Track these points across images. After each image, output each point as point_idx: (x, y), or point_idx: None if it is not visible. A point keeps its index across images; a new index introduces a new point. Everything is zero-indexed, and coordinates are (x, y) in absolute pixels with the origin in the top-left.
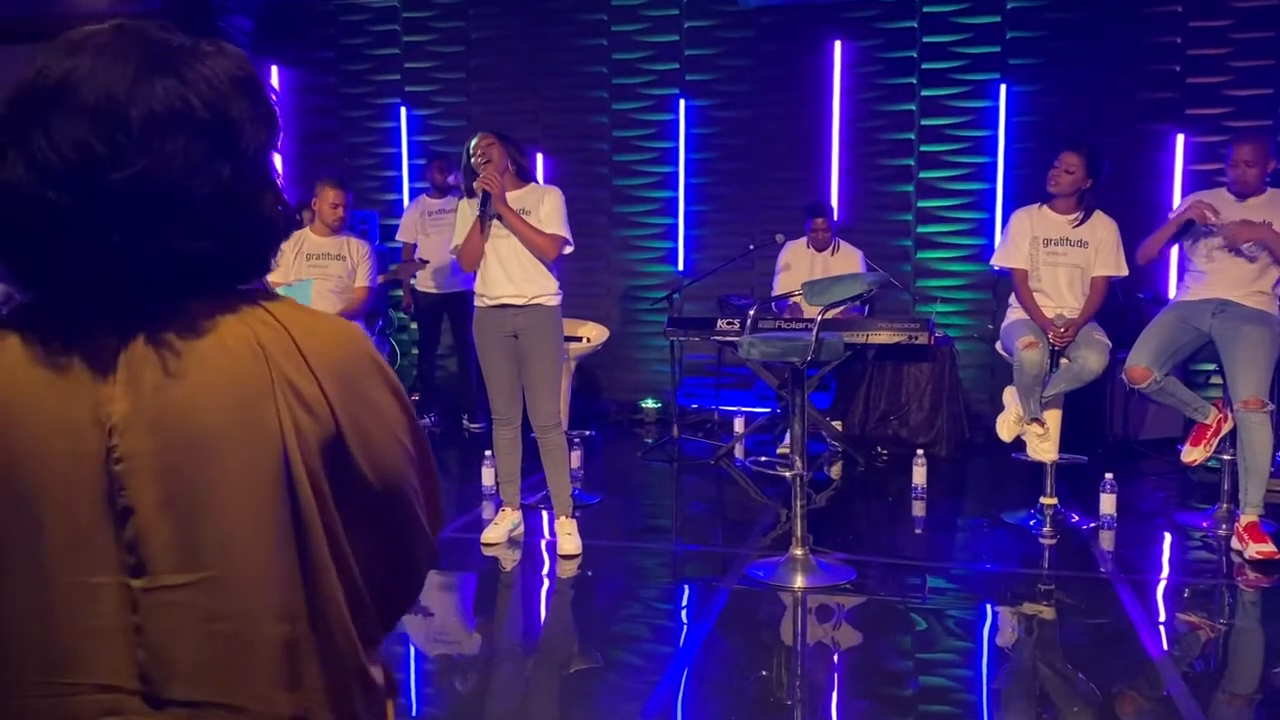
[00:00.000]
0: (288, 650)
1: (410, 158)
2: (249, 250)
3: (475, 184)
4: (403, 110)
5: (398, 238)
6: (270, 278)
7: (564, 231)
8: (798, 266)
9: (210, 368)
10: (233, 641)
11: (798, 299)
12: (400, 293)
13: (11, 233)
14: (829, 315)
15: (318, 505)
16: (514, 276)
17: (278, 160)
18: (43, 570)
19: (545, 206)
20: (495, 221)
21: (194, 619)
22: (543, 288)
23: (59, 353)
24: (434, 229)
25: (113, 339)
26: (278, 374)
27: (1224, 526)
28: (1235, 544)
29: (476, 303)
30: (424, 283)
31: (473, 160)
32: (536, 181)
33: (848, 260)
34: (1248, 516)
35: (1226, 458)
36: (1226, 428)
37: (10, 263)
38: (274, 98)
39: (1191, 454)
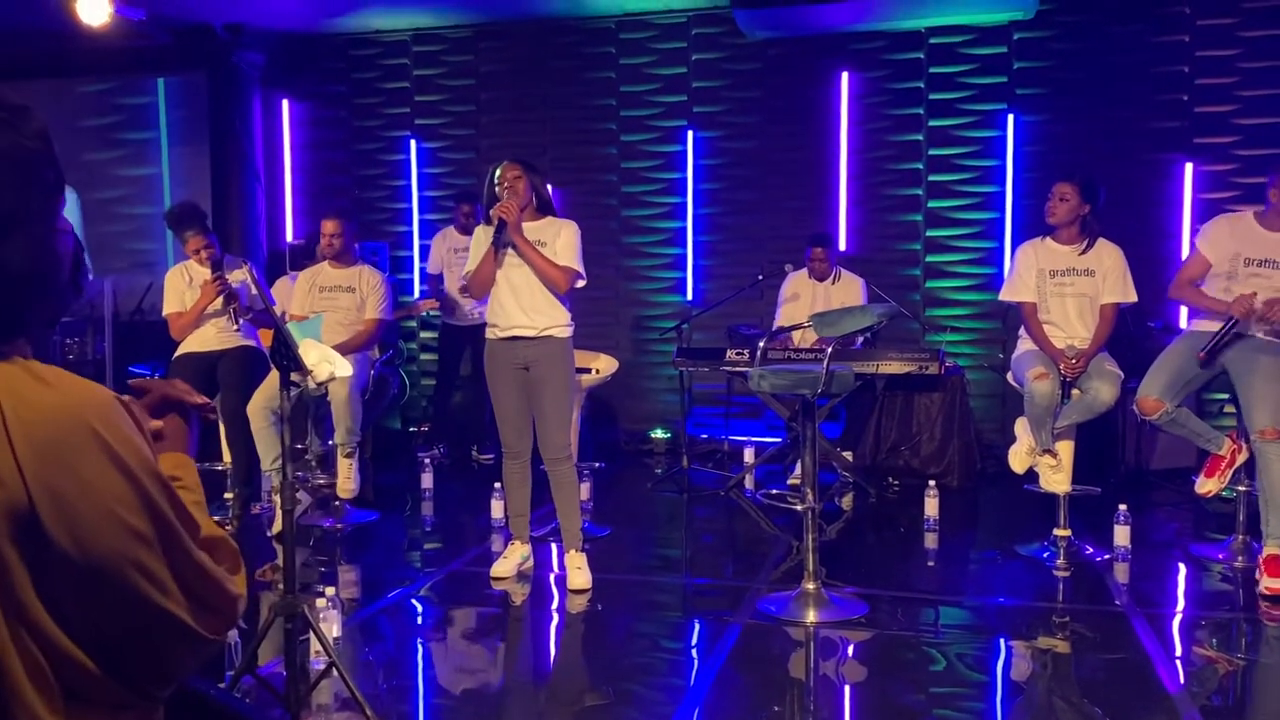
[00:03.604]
0: None
1: (420, 190)
2: None
3: (492, 211)
4: (413, 143)
5: (429, 270)
6: (290, 311)
7: (577, 265)
8: (799, 296)
9: None
10: None
11: (807, 328)
12: (414, 323)
13: None
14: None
15: None
16: (526, 307)
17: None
18: None
19: (561, 240)
20: (509, 251)
21: None
22: (554, 319)
23: None
24: (458, 265)
25: None
26: None
27: (1240, 558)
28: (1259, 576)
29: (488, 334)
30: (449, 315)
31: (497, 189)
32: (555, 215)
33: (848, 289)
34: (1269, 549)
35: (1241, 489)
36: (1241, 458)
37: None
38: (50, 169)
39: (1206, 485)
